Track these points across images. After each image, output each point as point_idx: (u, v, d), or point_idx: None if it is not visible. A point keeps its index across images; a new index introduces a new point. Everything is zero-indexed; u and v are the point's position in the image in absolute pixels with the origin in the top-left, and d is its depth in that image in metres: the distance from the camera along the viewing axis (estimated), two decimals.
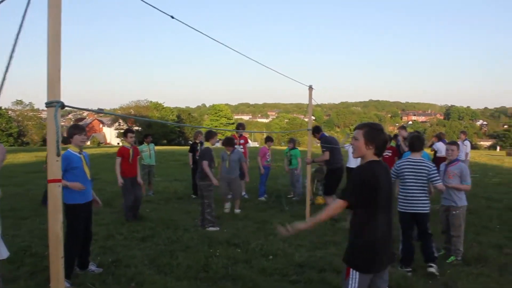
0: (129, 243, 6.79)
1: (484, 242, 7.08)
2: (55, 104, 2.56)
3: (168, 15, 3.73)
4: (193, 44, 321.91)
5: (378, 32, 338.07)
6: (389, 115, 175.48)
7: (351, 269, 3.18)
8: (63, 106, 2.60)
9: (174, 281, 5.14)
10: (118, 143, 73.23)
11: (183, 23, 3.96)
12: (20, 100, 68.31)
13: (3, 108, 64.30)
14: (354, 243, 3.24)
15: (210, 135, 8.45)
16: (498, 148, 53.54)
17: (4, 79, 2.46)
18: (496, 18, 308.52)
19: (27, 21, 2.57)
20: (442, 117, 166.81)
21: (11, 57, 2.50)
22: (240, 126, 12.07)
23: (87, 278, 5.19)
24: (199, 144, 11.34)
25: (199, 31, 4.32)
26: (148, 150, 11.74)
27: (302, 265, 5.76)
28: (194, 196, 11.18)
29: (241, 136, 11.48)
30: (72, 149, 5.23)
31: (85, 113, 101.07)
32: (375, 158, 3.24)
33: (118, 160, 8.50)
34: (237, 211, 9.42)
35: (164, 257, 6.03)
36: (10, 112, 66.65)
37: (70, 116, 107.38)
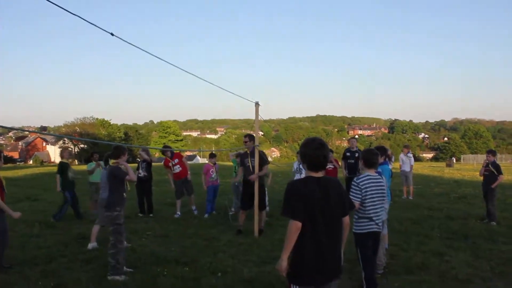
0: (73, 265, 6.54)
1: (426, 250, 7.35)
2: None
3: (108, 32, 3.70)
4: (138, 62, 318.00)
5: (323, 47, 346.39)
6: (336, 129, 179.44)
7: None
8: None
9: None
10: None
11: (123, 40, 3.93)
12: None
13: None
14: (291, 257, 3.34)
15: (120, 151, 6.44)
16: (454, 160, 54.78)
17: None
18: (434, 35, 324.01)
19: None
20: (386, 131, 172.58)
21: None
22: (166, 148, 12.09)
23: None
24: (140, 162, 11.39)
25: (140, 48, 4.30)
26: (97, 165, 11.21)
27: (251, 281, 5.74)
28: (141, 215, 11.05)
29: (173, 156, 11.43)
30: None
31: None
32: (311, 173, 3.35)
33: None
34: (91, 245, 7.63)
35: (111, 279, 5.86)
36: None
37: (10, 134, 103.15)
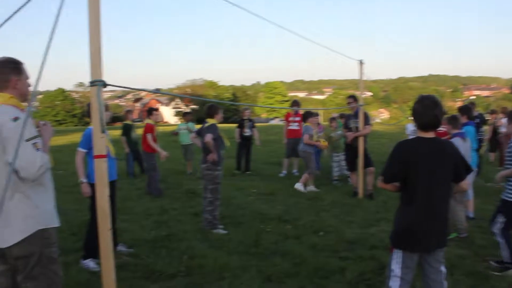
0: (182, 218, 6.96)
1: None
2: (97, 83, 2.65)
3: None
4: (252, 25, 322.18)
5: (436, 5, 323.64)
6: (450, 90, 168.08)
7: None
8: (105, 85, 2.69)
9: (225, 255, 5.20)
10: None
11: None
12: (81, 83, 70.26)
13: (67, 91, 66.95)
14: (394, 221, 3.23)
15: (214, 110, 6.45)
16: None
17: (43, 64, 2.47)
18: None
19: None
20: (508, 91, 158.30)
21: (50, 39, 2.50)
22: (295, 103, 11.87)
23: (142, 251, 5.35)
24: (246, 121, 11.48)
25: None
26: (188, 128, 11.10)
27: (353, 242, 5.69)
28: (237, 172, 11.46)
29: (296, 113, 11.29)
30: None
31: (143, 93, 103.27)
32: (422, 133, 3.12)
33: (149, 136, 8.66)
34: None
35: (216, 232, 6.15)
36: (73, 94, 68.98)
37: (130, 96, 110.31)
